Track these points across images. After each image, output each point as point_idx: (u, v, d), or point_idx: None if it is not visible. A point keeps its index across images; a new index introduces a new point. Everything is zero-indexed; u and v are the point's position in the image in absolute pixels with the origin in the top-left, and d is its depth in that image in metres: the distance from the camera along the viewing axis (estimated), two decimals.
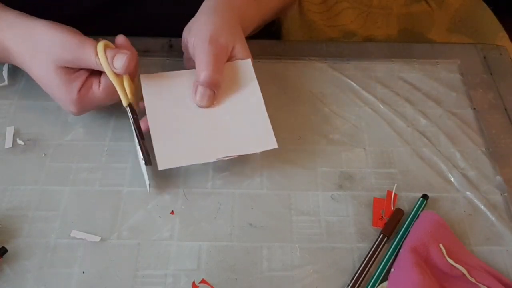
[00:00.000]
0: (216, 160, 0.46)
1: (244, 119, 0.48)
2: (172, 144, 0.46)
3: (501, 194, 0.49)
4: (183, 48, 0.53)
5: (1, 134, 0.52)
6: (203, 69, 0.47)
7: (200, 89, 0.47)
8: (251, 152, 0.47)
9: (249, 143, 0.47)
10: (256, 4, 0.56)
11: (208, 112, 0.48)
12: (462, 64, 0.61)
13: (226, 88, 0.49)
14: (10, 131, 0.52)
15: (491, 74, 0.60)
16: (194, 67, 0.48)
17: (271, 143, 0.47)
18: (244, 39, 0.51)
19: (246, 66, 0.50)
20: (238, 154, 0.47)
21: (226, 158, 0.46)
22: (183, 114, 0.48)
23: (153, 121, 0.47)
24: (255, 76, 0.50)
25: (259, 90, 0.50)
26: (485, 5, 0.98)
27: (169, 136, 0.47)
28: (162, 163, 0.45)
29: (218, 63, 0.47)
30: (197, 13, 0.52)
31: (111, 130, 0.53)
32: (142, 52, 0.60)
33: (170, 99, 0.49)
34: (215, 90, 0.48)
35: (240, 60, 0.50)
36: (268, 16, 0.60)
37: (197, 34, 0.48)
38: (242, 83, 0.50)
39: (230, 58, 0.50)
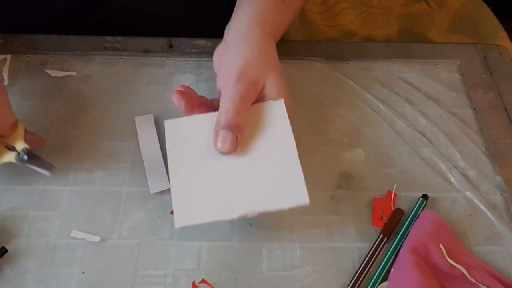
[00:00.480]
0: (238, 217, 0.41)
1: (273, 170, 0.42)
2: (192, 199, 0.42)
3: (501, 194, 0.49)
4: (215, 59, 0.49)
5: None
6: (225, 110, 0.42)
7: (221, 132, 0.42)
8: (279, 209, 0.41)
9: (277, 197, 0.41)
10: (284, 8, 0.53)
11: (233, 162, 0.43)
12: (462, 64, 0.61)
13: (254, 133, 0.44)
14: None
15: (491, 74, 0.59)
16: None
17: (303, 199, 0.41)
18: (278, 69, 0.47)
19: (278, 107, 0.45)
20: (263, 211, 0.41)
21: (250, 215, 0.41)
22: (207, 164, 0.43)
23: (174, 174, 0.43)
24: (288, 120, 0.44)
25: (292, 136, 0.43)
26: (485, 5, 0.98)
27: (190, 190, 0.42)
28: (180, 221, 0.41)
29: (243, 104, 0.43)
30: (228, 39, 0.48)
31: (111, 129, 0.53)
32: (142, 52, 0.60)
33: (193, 148, 0.44)
34: (238, 134, 0.42)
35: (271, 101, 0.45)
36: (294, 17, 0.58)
37: (227, 69, 0.45)
38: (273, 128, 0.44)
39: (261, 98, 0.45)
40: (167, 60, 0.60)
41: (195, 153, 0.44)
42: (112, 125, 0.53)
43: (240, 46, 0.46)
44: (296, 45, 0.63)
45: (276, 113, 0.45)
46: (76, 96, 0.55)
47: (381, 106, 0.56)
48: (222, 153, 0.42)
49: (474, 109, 0.56)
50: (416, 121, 0.55)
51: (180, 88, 0.45)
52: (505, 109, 0.56)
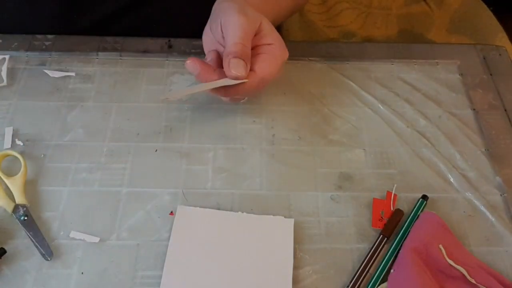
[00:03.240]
0: None
1: (265, 278, 0.43)
2: None
3: (500, 195, 0.49)
4: (205, 39, 0.52)
5: (0, 134, 0.51)
6: (234, 43, 0.45)
7: (234, 60, 0.45)
8: None
9: None
10: (272, 3, 0.55)
11: (229, 264, 0.44)
12: (462, 65, 0.61)
13: (259, 243, 0.45)
14: (9, 131, 0.52)
15: (490, 74, 0.59)
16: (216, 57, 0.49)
17: None
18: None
19: (287, 226, 0.46)
20: None
21: None
22: (204, 260, 0.44)
23: (170, 263, 0.43)
24: (292, 240, 0.45)
25: (292, 255, 0.44)
26: (484, 5, 0.98)
27: (180, 281, 0.43)
28: None
29: (247, 36, 0.46)
30: (213, 10, 0.51)
31: (110, 130, 0.53)
32: (142, 52, 0.60)
33: (196, 240, 0.45)
34: (247, 62, 0.46)
35: (283, 218, 0.47)
36: (282, 16, 0.60)
37: (225, 12, 0.47)
38: (277, 243, 0.45)
39: (259, 33, 0.48)
40: (167, 61, 0.59)
41: (197, 246, 0.45)
42: (111, 126, 0.53)
43: (229, 1, 0.49)
44: (296, 46, 0.62)
45: (284, 230, 0.46)
46: (75, 96, 0.55)
47: (381, 107, 0.56)
48: (237, 77, 0.45)
49: (474, 109, 0.56)
50: (416, 122, 0.55)
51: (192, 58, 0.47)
52: (505, 110, 0.56)
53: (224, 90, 0.47)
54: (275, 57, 0.48)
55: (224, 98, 0.51)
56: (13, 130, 0.52)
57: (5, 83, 0.56)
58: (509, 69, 0.60)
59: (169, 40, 0.61)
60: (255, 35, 0.47)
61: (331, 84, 0.58)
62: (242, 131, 0.53)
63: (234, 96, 0.49)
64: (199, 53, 0.60)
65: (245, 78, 0.46)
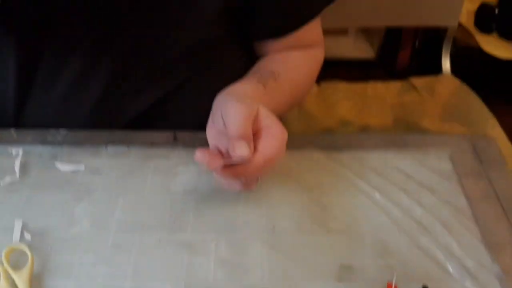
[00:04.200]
0: None
1: None
2: None
3: (499, 283, 0.50)
4: (209, 132, 0.55)
5: (10, 227, 0.53)
6: (235, 128, 0.49)
7: (237, 143, 0.48)
8: None
9: None
10: (267, 99, 0.59)
11: None
12: (453, 154, 0.63)
13: None
14: (18, 224, 0.53)
15: (481, 163, 0.62)
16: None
17: None
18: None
19: None
20: None
21: None
22: None
23: None
24: None
25: None
26: (473, 94, 1.03)
27: None
28: None
29: (247, 121, 0.50)
30: (214, 105, 0.55)
31: (115, 222, 0.54)
32: (148, 145, 0.63)
33: None
34: (249, 142, 0.49)
35: None
36: (278, 111, 0.63)
37: (225, 103, 0.52)
38: None
39: (257, 117, 0.52)
40: (172, 153, 0.63)
41: None
42: (117, 217, 0.55)
43: (226, 95, 0.54)
44: (294, 137, 0.65)
45: None
46: (83, 189, 0.58)
47: (378, 196, 0.58)
48: (242, 157, 0.48)
49: (468, 198, 0.58)
50: (412, 210, 0.57)
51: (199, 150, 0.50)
52: (498, 198, 0.58)
53: (234, 170, 0.50)
54: (275, 137, 0.51)
55: (237, 186, 0.53)
56: (23, 223, 0.54)
57: (17, 176, 0.59)
58: (498, 158, 0.62)
59: (174, 133, 0.65)
60: (254, 121, 0.51)
61: (329, 174, 0.61)
62: (243, 221, 0.55)
63: (244, 177, 0.51)
64: (203, 145, 0.63)
65: (249, 157, 0.49)
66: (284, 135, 0.52)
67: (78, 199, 0.57)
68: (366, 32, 1.89)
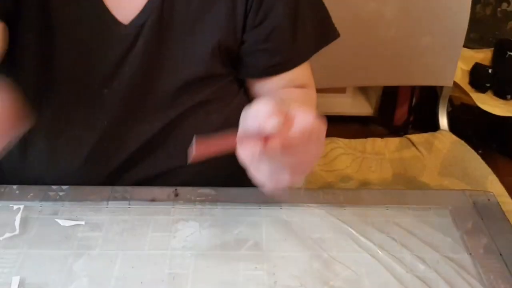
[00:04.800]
0: None
1: None
2: None
3: None
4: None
5: (7, 283, 0.52)
6: (262, 109, 0.44)
7: (267, 119, 0.43)
8: None
9: None
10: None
11: None
12: (454, 210, 0.63)
13: None
14: (15, 281, 0.52)
15: (482, 219, 0.62)
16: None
17: None
18: None
19: None
20: None
21: None
22: None
23: None
24: None
25: None
26: (471, 150, 1.05)
27: None
28: None
29: (271, 104, 0.44)
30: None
31: (114, 278, 0.54)
32: (149, 201, 0.63)
33: None
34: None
35: None
36: None
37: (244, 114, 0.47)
38: None
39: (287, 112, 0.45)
40: (173, 208, 0.63)
41: None
42: (115, 274, 0.54)
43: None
44: (295, 193, 0.66)
45: None
46: (83, 244, 0.57)
47: (379, 252, 0.58)
48: (274, 126, 0.42)
49: (470, 254, 0.58)
50: (415, 267, 0.56)
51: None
52: (500, 254, 0.57)
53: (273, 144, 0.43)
54: (307, 115, 0.45)
55: (285, 177, 0.47)
56: (20, 279, 0.53)
57: (17, 232, 0.58)
58: (499, 213, 0.62)
59: (175, 189, 0.65)
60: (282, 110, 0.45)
61: (330, 230, 0.61)
62: (244, 278, 0.54)
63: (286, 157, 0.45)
64: (203, 201, 0.64)
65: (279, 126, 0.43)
66: (317, 119, 0.46)
67: (78, 255, 0.56)
68: (364, 90, 1.94)
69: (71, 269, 0.55)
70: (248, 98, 0.73)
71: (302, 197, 0.65)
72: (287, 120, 0.44)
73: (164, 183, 0.66)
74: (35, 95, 0.63)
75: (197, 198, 0.64)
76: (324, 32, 0.72)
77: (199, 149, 0.43)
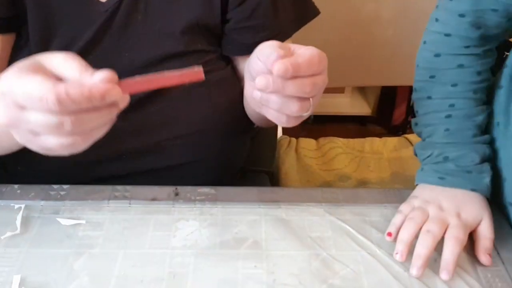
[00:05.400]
0: None
1: None
2: None
3: None
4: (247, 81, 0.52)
5: (8, 282, 0.53)
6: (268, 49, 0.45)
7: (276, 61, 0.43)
8: None
9: None
10: None
11: None
12: None
13: None
14: (16, 280, 0.53)
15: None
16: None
17: None
18: None
19: None
20: None
21: None
22: None
23: None
24: None
25: None
26: None
27: None
28: None
29: (276, 46, 0.46)
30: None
31: (115, 277, 0.54)
32: (150, 200, 0.64)
33: None
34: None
35: None
36: None
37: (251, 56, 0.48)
38: None
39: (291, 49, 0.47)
40: (173, 207, 0.63)
41: None
42: (116, 273, 0.55)
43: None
44: (294, 192, 0.67)
45: None
46: (83, 243, 0.58)
47: (378, 251, 0.58)
48: (279, 56, 0.43)
49: (468, 252, 0.58)
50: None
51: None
52: (498, 253, 0.58)
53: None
54: (311, 48, 0.47)
55: (293, 108, 0.47)
56: (21, 278, 0.53)
57: (18, 231, 0.59)
58: (496, 211, 0.63)
59: (176, 188, 0.66)
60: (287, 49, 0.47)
61: (329, 228, 0.61)
62: (244, 276, 0.55)
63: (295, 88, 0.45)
64: (203, 200, 0.64)
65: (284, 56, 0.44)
66: (320, 51, 0.47)
67: (78, 254, 0.56)
68: (362, 90, 1.94)
69: (72, 268, 0.55)
70: (236, 77, 0.74)
71: (301, 196, 0.66)
72: (290, 54, 0.45)
73: (164, 183, 0.67)
74: None
75: (197, 197, 0.65)
76: (304, 9, 0.73)
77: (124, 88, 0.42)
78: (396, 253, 0.56)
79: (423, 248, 0.55)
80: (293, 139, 1.07)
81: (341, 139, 1.06)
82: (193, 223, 0.61)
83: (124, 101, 0.42)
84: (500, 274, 0.56)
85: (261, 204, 0.64)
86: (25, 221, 0.60)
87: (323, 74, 0.48)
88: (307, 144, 1.05)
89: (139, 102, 0.65)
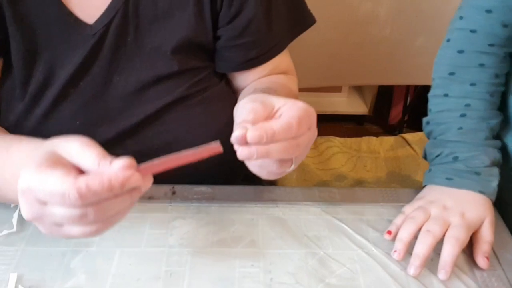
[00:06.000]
0: None
1: None
2: None
3: None
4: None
5: (4, 280, 0.53)
6: (243, 114, 0.45)
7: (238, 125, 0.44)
8: None
9: None
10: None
11: None
12: None
13: None
14: (13, 278, 0.53)
15: None
16: None
17: None
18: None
19: None
20: None
21: None
22: None
23: None
24: None
25: None
26: None
27: None
28: None
29: (254, 113, 0.45)
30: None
31: (111, 275, 0.54)
32: (147, 199, 0.64)
33: None
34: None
35: None
36: None
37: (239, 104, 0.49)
38: None
39: (272, 109, 0.47)
40: (170, 206, 0.63)
41: None
42: (113, 271, 0.54)
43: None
44: (291, 191, 0.67)
45: None
46: (80, 241, 0.58)
47: (374, 250, 0.58)
48: (236, 138, 0.43)
49: (465, 252, 0.58)
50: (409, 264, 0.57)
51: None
52: (494, 252, 0.58)
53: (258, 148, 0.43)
54: (293, 108, 0.46)
55: (274, 167, 0.47)
56: (17, 276, 0.53)
57: (15, 229, 0.59)
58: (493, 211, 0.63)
59: (172, 187, 0.66)
60: (266, 109, 0.47)
61: (326, 227, 0.61)
62: (240, 275, 0.55)
63: (274, 153, 0.44)
64: (200, 198, 0.64)
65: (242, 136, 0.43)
66: (307, 107, 0.46)
67: (75, 252, 0.56)
68: (359, 89, 1.95)
69: (68, 266, 0.55)
70: (232, 89, 0.73)
71: (298, 195, 0.66)
72: (271, 115, 0.46)
73: (161, 181, 0.66)
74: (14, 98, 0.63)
75: (194, 196, 0.65)
76: (300, 18, 0.71)
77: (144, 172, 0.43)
78: (394, 251, 0.56)
79: (422, 248, 0.55)
80: None
81: (338, 138, 1.06)
82: (190, 222, 0.61)
83: (147, 184, 0.43)
84: (497, 274, 0.56)
85: (258, 203, 0.64)
86: (22, 219, 0.60)
87: (309, 132, 0.47)
88: None
89: (136, 127, 0.64)
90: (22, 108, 0.63)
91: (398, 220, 0.60)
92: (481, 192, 0.59)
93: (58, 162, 0.41)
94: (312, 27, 0.73)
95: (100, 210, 0.40)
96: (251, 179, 0.70)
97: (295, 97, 0.71)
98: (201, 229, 0.60)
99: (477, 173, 0.59)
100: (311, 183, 0.95)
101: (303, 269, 0.56)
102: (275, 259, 0.57)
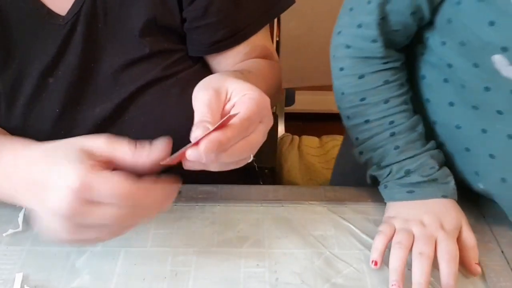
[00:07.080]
0: None
1: None
2: None
3: None
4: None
5: (10, 280, 0.53)
6: (200, 119, 0.45)
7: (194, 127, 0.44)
8: None
9: None
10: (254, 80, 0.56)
11: None
12: None
13: None
14: (18, 277, 0.53)
15: (484, 216, 0.62)
16: None
17: None
18: (239, 79, 0.49)
19: None
20: None
21: None
22: None
23: None
24: None
25: None
26: None
27: None
28: None
29: (210, 111, 0.45)
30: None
31: (116, 275, 0.54)
32: None
33: None
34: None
35: None
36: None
37: (193, 94, 0.48)
38: None
39: (228, 100, 0.47)
40: (175, 206, 0.63)
41: None
42: (118, 271, 0.54)
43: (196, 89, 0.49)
44: (296, 190, 0.67)
45: None
46: None
47: None
48: (196, 138, 0.43)
49: None
50: None
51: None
52: (502, 251, 0.58)
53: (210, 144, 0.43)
54: (246, 101, 0.46)
55: (231, 166, 0.47)
56: (23, 275, 0.53)
57: (20, 228, 0.59)
58: (501, 210, 0.62)
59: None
60: (221, 102, 0.47)
61: (331, 227, 0.61)
62: (246, 275, 0.55)
63: (231, 151, 0.44)
64: (205, 198, 0.64)
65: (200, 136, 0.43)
66: (259, 98, 0.46)
67: (80, 252, 0.56)
68: None
69: (73, 265, 0.55)
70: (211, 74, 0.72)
71: (303, 195, 0.65)
72: (220, 110, 0.46)
73: None
74: None
75: (199, 196, 0.65)
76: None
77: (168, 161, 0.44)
78: (392, 285, 0.53)
79: (421, 275, 0.52)
80: (296, 137, 1.07)
81: (343, 136, 1.05)
82: (195, 222, 0.61)
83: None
84: (505, 273, 0.55)
85: (263, 203, 0.64)
86: (27, 219, 0.60)
87: (261, 125, 0.46)
88: (310, 142, 1.05)
89: (113, 113, 0.65)
90: (2, 99, 0.63)
91: (379, 244, 0.57)
92: (444, 196, 0.59)
93: (99, 160, 0.43)
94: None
95: (142, 210, 0.43)
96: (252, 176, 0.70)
97: (274, 83, 0.71)
98: (206, 229, 0.60)
99: (434, 180, 0.59)
100: (317, 182, 0.95)
101: (309, 269, 0.55)
102: (281, 259, 0.57)
